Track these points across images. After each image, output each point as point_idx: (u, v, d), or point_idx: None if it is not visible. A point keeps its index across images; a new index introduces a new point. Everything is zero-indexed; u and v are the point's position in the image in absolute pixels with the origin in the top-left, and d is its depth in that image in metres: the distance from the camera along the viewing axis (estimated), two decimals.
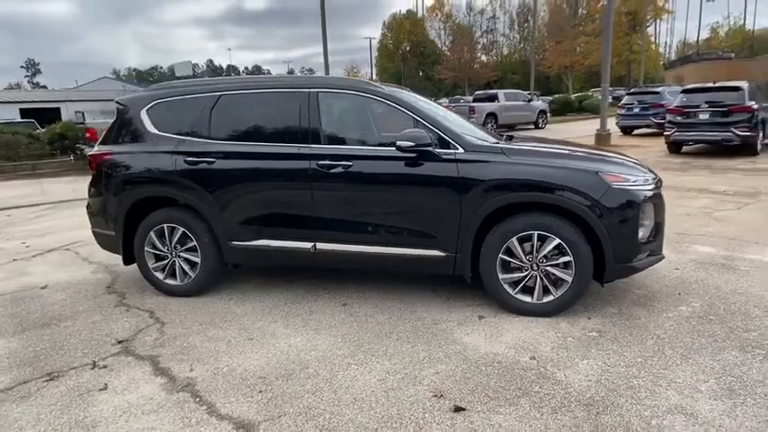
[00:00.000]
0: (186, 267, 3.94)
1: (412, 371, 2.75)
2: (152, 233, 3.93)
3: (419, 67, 61.90)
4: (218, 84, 4.03)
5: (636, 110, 17.10)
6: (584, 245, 3.17)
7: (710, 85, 11.73)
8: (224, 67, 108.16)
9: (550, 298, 3.30)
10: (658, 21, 50.07)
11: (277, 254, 3.76)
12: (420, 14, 68.80)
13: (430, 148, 3.34)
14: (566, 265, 3.23)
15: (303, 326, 3.39)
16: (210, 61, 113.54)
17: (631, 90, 19.21)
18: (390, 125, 3.81)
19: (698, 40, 71.24)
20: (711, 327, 3.11)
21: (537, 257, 3.27)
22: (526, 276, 3.32)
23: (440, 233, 3.41)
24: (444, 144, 3.38)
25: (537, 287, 3.31)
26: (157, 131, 3.95)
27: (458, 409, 2.37)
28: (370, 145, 3.71)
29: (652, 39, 52.62)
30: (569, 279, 3.23)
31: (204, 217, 3.81)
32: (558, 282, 3.28)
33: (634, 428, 2.19)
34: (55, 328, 3.54)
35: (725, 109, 10.74)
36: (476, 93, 24.53)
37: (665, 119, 15.14)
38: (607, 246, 3.15)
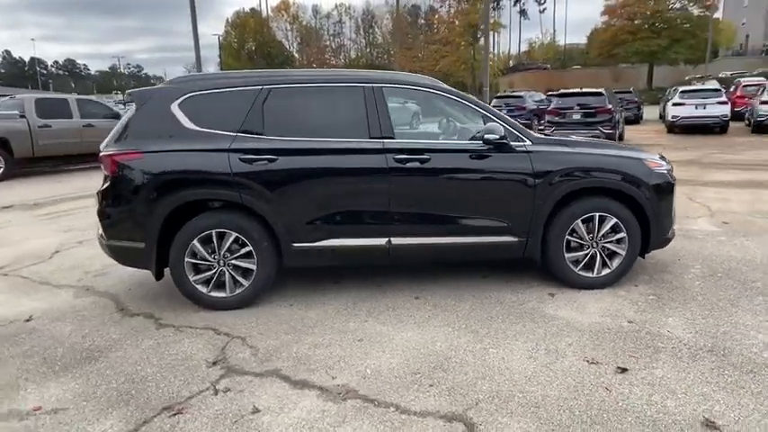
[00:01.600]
0: (238, 277, 3.60)
1: (547, 345, 2.97)
2: (195, 241, 3.50)
3: (267, 68, 60.56)
4: (261, 77, 3.74)
5: (504, 112, 19.14)
6: (634, 222, 3.69)
7: (578, 90, 13.76)
8: (25, 59, 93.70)
9: (607, 271, 3.77)
10: (495, 33, 55.91)
11: (348, 253, 3.64)
12: (265, 14, 67.43)
13: (506, 141, 3.57)
14: (619, 241, 3.72)
15: (398, 321, 3.37)
16: (8, 52, 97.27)
17: (498, 94, 21.40)
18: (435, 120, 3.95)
19: (519, 53, 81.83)
20: (727, 281, 3.86)
21: (597, 236, 3.71)
22: (587, 254, 3.74)
23: (513, 220, 3.66)
24: (514, 137, 3.63)
25: (597, 263, 3.75)
26: (198, 128, 3.53)
27: (622, 370, 2.66)
28: (437, 139, 3.80)
29: (490, 49, 58.60)
30: (623, 253, 3.73)
31: (264, 219, 3.52)
32: (612, 256, 3.76)
33: (756, 362, 2.71)
34: (106, 360, 2.99)
35: (592, 110, 12.72)
36: None
37: (529, 119, 17.34)
38: (653, 222, 3.71)
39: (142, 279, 4.23)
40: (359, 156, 3.55)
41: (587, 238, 3.71)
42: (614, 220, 3.67)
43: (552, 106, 13.77)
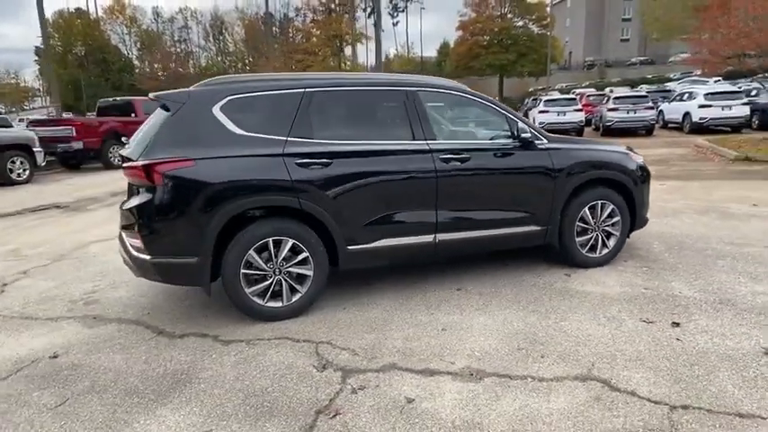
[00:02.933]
0: (295, 285, 3.54)
1: (603, 314, 3.46)
2: (252, 251, 3.38)
3: (103, 75, 54.49)
4: (301, 80, 3.72)
5: None
6: (625, 207, 4.40)
7: None
8: None
9: (606, 251, 4.42)
10: (360, 44, 57.63)
11: (400, 251, 3.79)
12: (94, 15, 60.84)
13: (531, 140, 4.03)
14: (614, 225, 4.40)
15: (461, 311, 3.61)
16: None
17: None
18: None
19: (377, 64, 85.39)
20: (687, 252, 4.74)
21: (600, 221, 4.34)
22: (590, 237, 4.36)
23: (537, 210, 4.12)
24: (535, 137, 4.11)
25: (599, 244, 4.39)
26: (246, 132, 3.41)
27: (676, 324, 3.25)
28: (471, 139, 4.12)
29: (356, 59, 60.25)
30: (618, 234, 4.42)
31: (320, 223, 3.51)
32: (609, 237, 4.43)
33: (756, 306, 3.47)
34: (202, 381, 2.80)
35: None
36: None
37: None
38: (639, 206, 4.46)
39: (147, 302, 4.00)
40: (409, 157, 3.73)
41: (592, 223, 4.33)
42: (612, 206, 4.34)
43: None
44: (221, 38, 71.71)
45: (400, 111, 3.80)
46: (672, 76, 38.22)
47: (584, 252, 4.34)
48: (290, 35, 62.63)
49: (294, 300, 3.54)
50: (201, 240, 3.27)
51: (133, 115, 14.63)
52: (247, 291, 3.42)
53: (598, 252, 4.39)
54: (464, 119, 4.56)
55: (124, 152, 3.56)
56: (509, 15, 42.38)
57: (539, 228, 4.16)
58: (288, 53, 53.53)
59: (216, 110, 3.40)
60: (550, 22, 42.08)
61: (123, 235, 3.49)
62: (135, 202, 3.32)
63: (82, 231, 6.61)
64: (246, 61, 65.56)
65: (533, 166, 4.07)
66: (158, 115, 3.50)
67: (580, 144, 4.50)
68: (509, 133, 4.06)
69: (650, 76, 40.66)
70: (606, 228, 4.38)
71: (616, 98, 18.49)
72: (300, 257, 3.51)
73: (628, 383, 2.62)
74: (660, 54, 55.61)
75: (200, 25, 71.79)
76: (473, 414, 2.42)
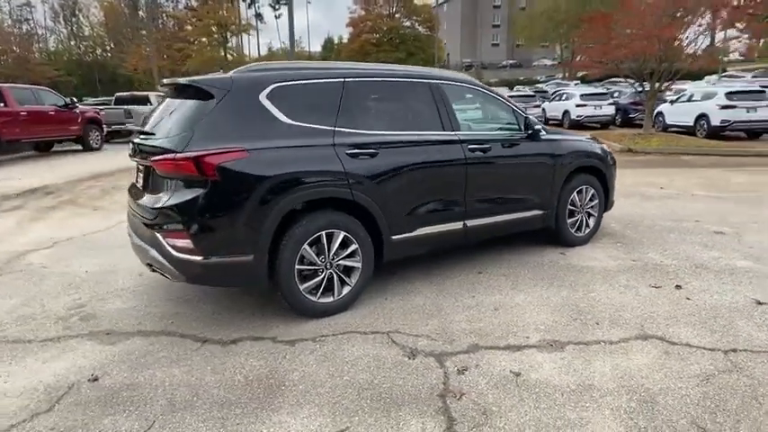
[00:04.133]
0: (345, 278, 3.48)
1: (617, 283, 3.91)
2: (306, 245, 3.26)
3: None
4: (338, 69, 3.66)
5: None
6: (602, 191, 4.97)
7: None
8: None
9: (588, 230, 4.96)
10: (247, 35, 55.25)
11: (435, 239, 3.89)
12: None
13: (539, 131, 4.38)
14: (593, 207, 4.95)
15: (499, 292, 3.81)
16: None
17: None
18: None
19: (259, 56, 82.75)
20: (642, 228, 5.49)
21: (585, 203, 4.85)
22: (577, 218, 4.86)
23: (542, 196, 4.49)
24: (541, 129, 4.46)
25: (583, 224, 4.90)
26: (293, 122, 3.27)
27: (679, 287, 3.81)
28: (485, 130, 4.34)
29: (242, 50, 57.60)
30: (596, 215, 4.97)
31: (368, 214, 3.49)
32: (589, 218, 4.97)
33: (731, 268, 4.18)
34: (300, 384, 2.67)
35: None
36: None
37: None
38: (611, 190, 5.06)
39: (159, 311, 3.67)
40: (444, 147, 3.85)
41: (579, 205, 4.82)
42: (593, 190, 4.87)
43: None
44: (74, 20, 63.81)
45: (429, 102, 3.90)
46: (539, 78, 42.54)
47: (572, 232, 4.82)
48: (161, 22, 57.90)
49: (344, 293, 3.48)
50: (258, 236, 3.08)
51: (2, 105, 12.60)
52: (301, 287, 3.29)
53: (582, 231, 4.90)
54: (472, 110, 4.79)
55: (151, 143, 3.20)
56: (397, 15, 43.76)
57: (542, 212, 4.54)
58: (161, 40, 49.60)
59: (263, 98, 3.21)
60: (436, 24, 44.31)
61: (156, 236, 3.13)
62: (179, 198, 3.01)
63: (3, 240, 5.65)
64: (108, 48, 59.46)
65: (540, 154, 4.44)
66: (188, 103, 3.21)
67: (567, 135, 4.98)
68: (516, 125, 4.37)
69: (522, 78, 44.79)
70: (588, 209, 4.91)
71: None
72: (350, 250, 3.46)
73: (679, 338, 3.05)
74: (525, 59, 61.57)
75: (45, 4, 63.17)
76: (579, 378, 2.65)
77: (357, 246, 3.47)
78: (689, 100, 15.85)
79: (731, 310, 3.41)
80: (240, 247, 3.08)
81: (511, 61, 62.80)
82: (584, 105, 19.00)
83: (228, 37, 45.40)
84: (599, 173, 4.93)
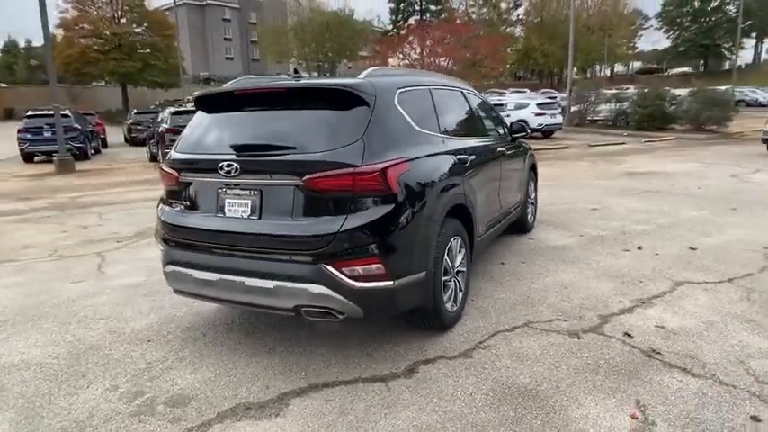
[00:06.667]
0: (462, 283, 3.51)
1: (607, 252, 4.90)
2: (446, 255, 3.20)
3: None
4: (421, 76, 3.64)
5: (47, 134, 16.07)
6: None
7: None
8: None
9: (533, 217, 5.91)
10: None
11: (489, 239, 4.21)
12: None
13: (521, 135, 5.06)
14: (535, 196, 5.95)
15: (549, 274, 4.36)
16: None
17: (32, 113, 17.06)
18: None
19: None
20: (555, 212, 6.76)
21: (533, 194, 5.79)
22: (530, 208, 5.75)
23: (520, 190, 5.20)
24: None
25: (532, 212, 5.83)
26: (420, 129, 3.17)
27: (640, 248, 5.02)
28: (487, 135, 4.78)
29: None
30: (535, 203, 5.98)
31: (471, 219, 3.57)
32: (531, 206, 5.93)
33: (680, 256, 5.66)
34: (537, 388, 2.72)
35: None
36: None
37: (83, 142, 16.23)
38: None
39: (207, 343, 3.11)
40: (493, 152, 4.22)
41: (533, 197, 5.74)
42: (533, 182, 5.84)
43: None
44: None
45: (468, 109, 4.18)
46: None
47: (529, 220, 5.70)
48: None
49: (460, 299, 3.49)
50: (428, 250, 2.91)
51: None
52: (444, 297, 3.20)
53: (532, 218, 5.83)
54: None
55: (296, 158, 2.64)
56: (123, 20, 38.81)
57: (519, 205, 5.25)
58: None
59: (395, 104, 3.01)
60: (175, 32, 40.95)
61: (324, 268, 2.58)
62: (364, 217, 2.59)
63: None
64: None
65: (523, 155, 5.15)
66: (332, 110, 2.80)
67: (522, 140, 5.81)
68: (502, 129, 4.96)
69: None
70: (531, 199, 5.87)
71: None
72: (462, 255, 3.48)
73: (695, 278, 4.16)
74: (261, 73, 62.67)
75: None
76: (681, 319, 3.40)
77: (465, 250, 3.53)
78: (515, 108, 19.42)
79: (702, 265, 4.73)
80: (419, 264, 2.85)
81: (251, 76, 63.03)
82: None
83: None
84: (534, 167, 5.94)
